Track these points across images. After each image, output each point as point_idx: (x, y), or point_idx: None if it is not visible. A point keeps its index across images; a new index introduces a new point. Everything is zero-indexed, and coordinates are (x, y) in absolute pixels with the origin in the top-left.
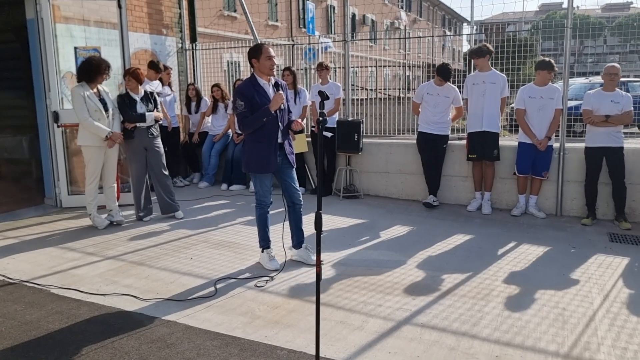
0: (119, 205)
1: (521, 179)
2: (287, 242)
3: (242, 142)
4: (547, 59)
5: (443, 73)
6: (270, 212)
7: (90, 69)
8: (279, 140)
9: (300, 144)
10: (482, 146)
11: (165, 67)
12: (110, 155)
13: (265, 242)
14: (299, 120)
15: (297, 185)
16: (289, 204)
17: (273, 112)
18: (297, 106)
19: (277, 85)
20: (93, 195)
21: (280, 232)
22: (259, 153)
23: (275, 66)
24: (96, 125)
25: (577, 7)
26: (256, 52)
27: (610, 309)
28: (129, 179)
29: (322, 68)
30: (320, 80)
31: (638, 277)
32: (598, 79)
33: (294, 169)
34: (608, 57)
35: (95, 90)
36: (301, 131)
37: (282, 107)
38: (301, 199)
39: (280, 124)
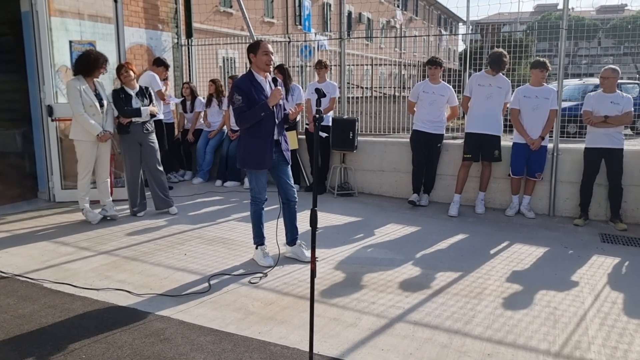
0: (113, 200)
1: (515, 179)
2: (281, 239)
3: (238, 138)
4: (541, 59)
5: (433, 62)
6: (265, 209)
7: (88, 63)
8: (275, 137)
9: (290, 141)
10: (480, 147)
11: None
12: (103, 150)
13: (259, 239)
14: (292, 110)
15: (292, 182)
16: (283, 201)
17: (271, 107)
18: (290, 103)
19: (274, 81)
20: (85, 190)
21: (274, 229)
22: (255, 149)
23: (271, 62)
24: (90, 122)
25: (572, 8)
26: (254, 47)
27: (601, 308)
28: (123, 174)
29: (321, 66)
30: (317, 78)
31: (629, 277)
32: (592, 81)
33: (289, 166)
34: (602, 59)
35: (91, 84)
36: (293, 128)
37: (280, 103)
38: (296, 196)
39: (276, 120)
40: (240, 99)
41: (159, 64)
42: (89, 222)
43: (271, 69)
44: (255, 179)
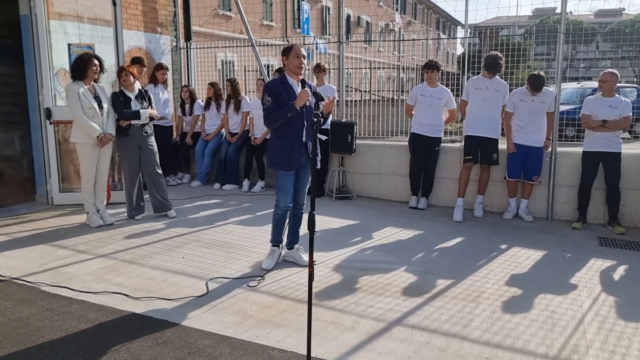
0: (111, 203)
1: (512, 182)
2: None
3: (236, 142)
4: (541, 77)
5: (430, 65)
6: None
7: (77, 66)
8: (304, 139)
9: None
10: (480, 150)
11: (161, 67)
12: (104, 153)
13: (274, 238)
14: (325, 102)
15: (307, 188)
16: (292, 203)
17: (298, 108)
18: None
19: (303, 83)
20: (90, 193)
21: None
22: (282, 150)
23: (302, 65)
24: (90, 124)
25: (570, 12)
26: (287, 50)
27: (599, 312)
28: (122, 176)
29: (319, 70)
30: (316, 82)
31: (626, 281)
32: (590, 84)
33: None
34: (600, 63)
35: (90, 86)
36: None
37: (308, 104)
38: (304, 202)
39: (305, 121)
40: (270, 100)
41: (133, 62)
42: (87, 225)
43: (303, 72)
44: (281, 182)
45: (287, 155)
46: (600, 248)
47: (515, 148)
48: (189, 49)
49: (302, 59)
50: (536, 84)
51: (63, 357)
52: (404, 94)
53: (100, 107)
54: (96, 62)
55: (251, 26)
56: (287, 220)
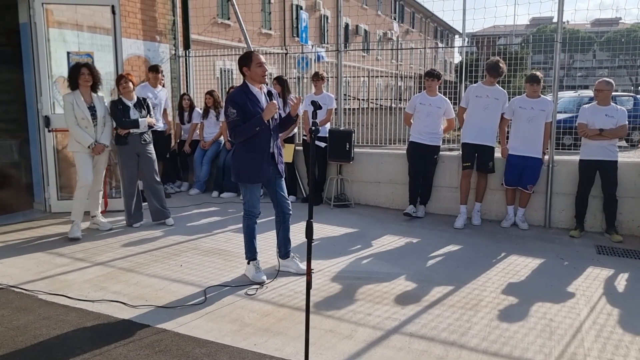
0: (109, 211)
1: (509, 190)
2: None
3: (233, 151)
4: (535, 72)
5: (431, 74)
6: (259, 221)
7: (70, 75)
8: (272, 150)
9: (285, 154)
10: (476, 158)
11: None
12: (99, 160)
13: (252, 254)
14: (292, 102)
15: (287, 194)
16: (278, 214)
17: (266, 121)
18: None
19: (269, 94)
20: (82, 199)
21: (267, 241)
22: (250, 163)
23: (266, 72)
24: (81, 134)
25: (567, 21)
26: (247, 60)
27: (597, 320)
28: (119, 184)
29: (317, 78)
30: (314, 90)
31: (624, 289)
32: (587, 93)
33: (284, 179)
34: (597, 72)
35: (87, 96)
36: (290, 141)
37: (275, 116)
38: (290, 208)
39: (272, 133)
40: (235, 113)
41: (150, 70)
42: (85, 233)
43: (267, 79)
44: (250, 192)
45: (256, 167)
46: (598, 256)
47: (514, 158)
48: (188, 57)
49: (265, 65)
50: (533, 78)
51: None
52: (402, 102)
53: (94, 117)
54: (85, 70)
55: (250, 35)
56: (277, 233)
